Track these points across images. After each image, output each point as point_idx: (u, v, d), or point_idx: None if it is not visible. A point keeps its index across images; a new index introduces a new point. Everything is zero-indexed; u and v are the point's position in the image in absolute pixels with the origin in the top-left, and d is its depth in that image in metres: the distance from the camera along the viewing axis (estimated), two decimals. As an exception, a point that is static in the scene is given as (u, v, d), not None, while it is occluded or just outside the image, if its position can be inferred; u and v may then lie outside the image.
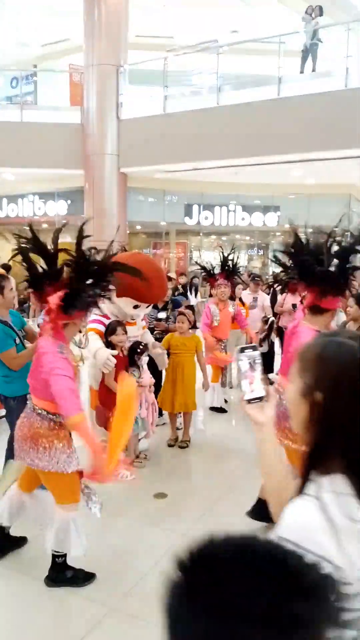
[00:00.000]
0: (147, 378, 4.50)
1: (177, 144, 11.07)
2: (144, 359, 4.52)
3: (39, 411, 2.82)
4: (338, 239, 2.98)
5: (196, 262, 7.69)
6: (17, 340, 3.58)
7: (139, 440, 4.78)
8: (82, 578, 2.98)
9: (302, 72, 10.72)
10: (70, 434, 2.86)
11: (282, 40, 10.43)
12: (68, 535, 2.83)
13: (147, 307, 4.56)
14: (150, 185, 13.66)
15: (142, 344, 4.50)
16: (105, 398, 4.13)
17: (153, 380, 4.60)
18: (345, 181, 12.98)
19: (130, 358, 4.40)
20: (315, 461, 1.00)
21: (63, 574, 2.97)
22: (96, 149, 11.93)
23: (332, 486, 0.95)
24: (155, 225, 15.25)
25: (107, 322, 4.29)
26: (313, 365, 1.01)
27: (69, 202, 14.42)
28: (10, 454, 3.39)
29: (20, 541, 3.34)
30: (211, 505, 3.90)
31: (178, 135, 11.03)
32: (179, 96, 11.81)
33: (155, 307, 5.45)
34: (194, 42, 14.13)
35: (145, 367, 4.56)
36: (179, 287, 8.77)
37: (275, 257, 3.62)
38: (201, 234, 15.96)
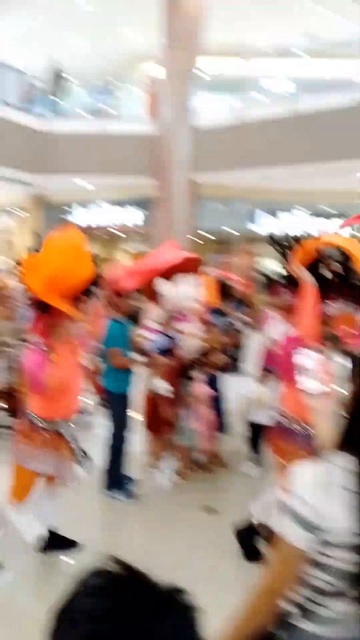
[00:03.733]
0: (200, 389, 4.46)
1: (250, 150, 11.00)
2: (198, 374, 4.49)
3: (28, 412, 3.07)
4: None
5: (258, 271, 7.52)
6: (127, 344, 4.08)
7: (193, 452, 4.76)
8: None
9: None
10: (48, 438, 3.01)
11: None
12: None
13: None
14: (219, 193, 13.65)
15: (197, 357, 4.48)
16: (150, 406, 4.38)
17: (208, 392, 4.55)
18: None
19: (182, 371, 4.41)
20: (343, 442, 1.32)
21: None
22: (169, 158, 12.08)
23: (341, 460, 1.28)
24: (222, 232, 15.21)
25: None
26: None
27: (141, 210, 14.70)
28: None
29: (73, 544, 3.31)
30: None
31: (251, 141, 10.96)
32: (254, 102, 11.73)
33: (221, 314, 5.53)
34: (269, 48, 14.01)
35: (202, 380, 4.52)
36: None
37: None
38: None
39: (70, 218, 16.34)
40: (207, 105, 12.50)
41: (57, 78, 13.99)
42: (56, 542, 3.27)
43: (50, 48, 14.37)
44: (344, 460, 1.27)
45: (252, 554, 3.28)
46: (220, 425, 4.80)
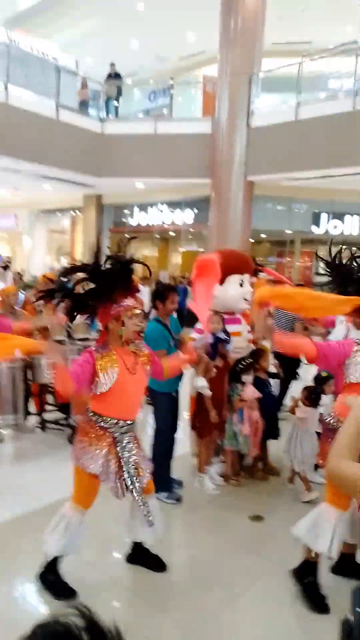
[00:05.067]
0: (250, 392, 4.33)
1: (309, 150, 10.72)
2: (248, 377, 4.36)
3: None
4: None
5: (318, 273, 7.28)
6: (171, 343, 3.93)
7: (243, 458, 4.63)
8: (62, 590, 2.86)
9: None
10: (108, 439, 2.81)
11: None
12: (54, 532, 2.81)
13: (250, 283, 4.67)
14: (276, 193, 13.40)
15: (247, 360, 4.35)
16: (197, 408, 4.28)
17: (258, 395, 4.40)
18: None
19: (232, 373, 4.29)
20: None
21: (46, 575, 2.90)
22: (224, 158, 11.97)
23: None
24: (280, 233, 14.91)
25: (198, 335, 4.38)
26: None
27: (195, 210, 14.67)
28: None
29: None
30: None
31: (310, 141, 10.67)
32: (313, 102, 11.42)
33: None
34: (332, 46, 13.62)
35: (249, 382, 4.39)
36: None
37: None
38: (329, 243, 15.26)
39: (126, 219, 16.55)
40: (265, 105, 12.29)
41: (115, 80, 14.16)
42: (144, 559, 3.16)
43: (107, 50, 14.60)
44: None
45: (319, 604, 2.83)
46: (271, 430, 4.63)
